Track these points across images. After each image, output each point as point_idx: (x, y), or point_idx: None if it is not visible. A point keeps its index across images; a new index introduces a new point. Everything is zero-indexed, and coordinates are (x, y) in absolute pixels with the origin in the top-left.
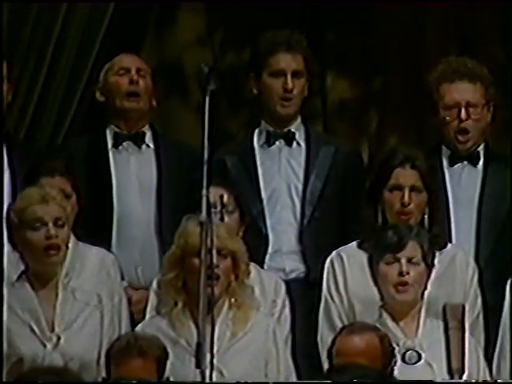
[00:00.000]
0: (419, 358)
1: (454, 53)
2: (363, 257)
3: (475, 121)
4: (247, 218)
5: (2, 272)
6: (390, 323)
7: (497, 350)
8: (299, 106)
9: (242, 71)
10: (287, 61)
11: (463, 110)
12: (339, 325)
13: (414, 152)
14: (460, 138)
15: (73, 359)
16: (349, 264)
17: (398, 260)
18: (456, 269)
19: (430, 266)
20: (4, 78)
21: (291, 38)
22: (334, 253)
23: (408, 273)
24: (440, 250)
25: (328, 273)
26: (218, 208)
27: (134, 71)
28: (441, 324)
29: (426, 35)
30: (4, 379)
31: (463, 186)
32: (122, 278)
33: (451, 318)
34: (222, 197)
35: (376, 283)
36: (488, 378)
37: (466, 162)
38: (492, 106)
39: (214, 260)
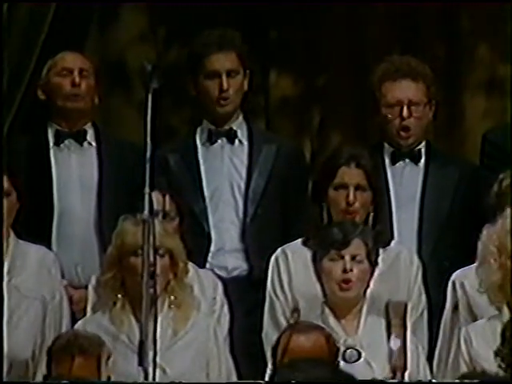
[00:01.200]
0: (359, 356)
1: (396, 51)
2: (308, 254)
3: (417, 119)
4: (185, 224)
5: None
6: (332, 320)
7: (438, 347)
8: (238, 104)
9: (185, 69)
10: (220, 61)
11: (405, 108)
12: (284, 322)
13: (358, 151)
14: (402, 135)
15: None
16: (293, 261)
17: (342, 257)
18: (400, 266)
19: (373, 264)
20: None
21: (223, 37)
22: (278, 250)
23: (351, 270)
24: (384, 247)
25: (272, 270)
26: (160, 207)
27: (76, 72)
28: (382, 321)
29: (369, 33)
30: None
31: (405, 183)
32: (63, 277)
33: (394, 316)
34: (164, 195)
35: (319, 280)
36: (428, 376)
37: (407, 160)
38: (434, 105)
39: (151, 258)
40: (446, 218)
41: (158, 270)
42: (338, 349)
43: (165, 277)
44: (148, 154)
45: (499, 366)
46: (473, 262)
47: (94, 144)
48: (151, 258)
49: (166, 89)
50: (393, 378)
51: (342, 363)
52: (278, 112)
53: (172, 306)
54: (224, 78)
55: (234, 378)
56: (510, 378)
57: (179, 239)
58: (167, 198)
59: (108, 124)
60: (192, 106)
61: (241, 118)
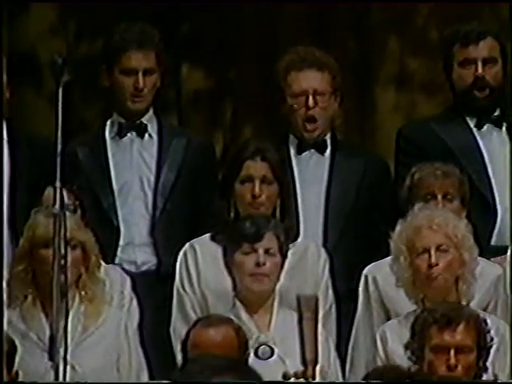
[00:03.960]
0: (272, 353)
1: (307, 45)
2: (216, 248)
3: (322, 109)
4: (89, 218)
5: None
6: (244, 315)
7: (351, 342)
8: (151, 100)
9: (96, 61)
10: (138, 59)
11: (311, 98)
12: (193, 316)
13: (264, 144)
14: (307, 126)
15: None
16: (202, 255)
17: (256, 250)
18: (307, 260)
19: (283, 258)
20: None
21: (143, 34)
22: (187, 244)
23: (264, 263)
24: (292, 242)
25: (181, 264)
26: (71, 201)
27: None
28: (293, 315)
29: (279, 27)
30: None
31: (311, 173)
32: None
33: (305, 309)
34: (73, 190)
35: (230, 274)
36: (339, 370)
37: (313, 150)
38: (339, 95)
39: (62, 251)
40: (351, 210)
41: (69, 263)
42: (247, 341)
43: (76, 270)
44: (59, 147)
45: (409, 359)
46: (379, 254)
47: (5, 137)
48: (62, 251)
49: (77, 82)
50: (304, 372)
51: (255, 360)
52: (190, 106)
53: (83, 301)
54: (140, 76)
55: (145, 373)
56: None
57: (91, 233)
58: (72, 191)
59: (19, 117)
60: (103, 98)
61: (151, 112)
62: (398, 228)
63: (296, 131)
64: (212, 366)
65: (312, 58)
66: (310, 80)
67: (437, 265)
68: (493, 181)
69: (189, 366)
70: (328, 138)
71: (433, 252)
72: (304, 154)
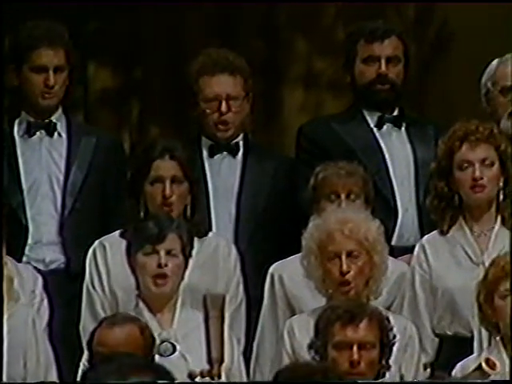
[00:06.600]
0: (174, 350)
1: (216, 44)
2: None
3: (235, 113)
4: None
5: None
6: (146, 314)
7: (256, 340)
8: (61, 98)
9: (4, 60)
10: (49, 56)
11: (223, 103)
12: (103, 315)
13: (172, 143)
14: (220, 129)
15: None
16: (111, 253)
17: (157, 252)
18: (218, 258)
19: (187, 257)
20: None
21: (52, 32)
22: (96, 242)
23: (166, 265)
24: (201, 237)
25: (90, 262)
26: None
27: None
28: (198, 313)
29: (188, 26)
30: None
31: (223, 176)
32: None
33: (212, 308)
34: None
35: (134, 273)
36: (243, 368)
37: (225, 153)
38: (251, 98)
39: None
40: (262, 212)
41: None
42: (154, 340)
43: None
44: None
45: (313, 359)
46: (288, 255)
47: None
48: None
49: None
50: (210, 370)
51: (157, 357)
52: (97, 104)
53: None
54: (51, 73)
55: (54, 370)
56: None
57: None
58: None
59: None
60: (11, 97)
61: (60, 110)
62: (310, 226)
63: (208, 134)
64: (129, 364)
65: (224, 62)
66: (223, 85)
67: (348, 272)
68: (393, 181)
69: (105, 365)
70: (240, 140)
71: (343, 258)
72: (216, 157)
